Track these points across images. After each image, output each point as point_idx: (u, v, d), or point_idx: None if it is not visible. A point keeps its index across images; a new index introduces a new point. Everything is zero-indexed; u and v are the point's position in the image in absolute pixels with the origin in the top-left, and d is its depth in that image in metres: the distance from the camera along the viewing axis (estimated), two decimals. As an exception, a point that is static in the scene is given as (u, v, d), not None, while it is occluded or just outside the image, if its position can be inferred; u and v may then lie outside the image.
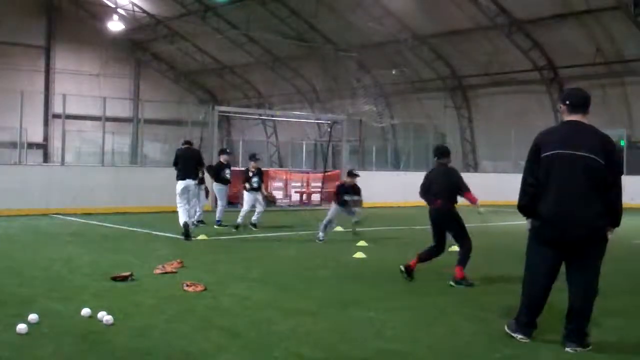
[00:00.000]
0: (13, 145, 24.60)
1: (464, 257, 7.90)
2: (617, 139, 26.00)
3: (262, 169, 15.45)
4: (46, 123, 34.74)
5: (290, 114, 29.50)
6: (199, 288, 7.21)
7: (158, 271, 8.29)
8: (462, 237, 8.01)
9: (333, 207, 12.47)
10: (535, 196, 5.16)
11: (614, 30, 24.50)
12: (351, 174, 12.76)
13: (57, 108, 32.81)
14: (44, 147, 34.53)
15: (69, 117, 22.48)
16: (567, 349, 5.14)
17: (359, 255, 10.10)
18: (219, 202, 14.80)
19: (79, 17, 36.58)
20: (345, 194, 12.41)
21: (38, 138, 33.41)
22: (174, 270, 8.39)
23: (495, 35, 27.01)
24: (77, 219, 15.43)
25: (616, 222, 5.19)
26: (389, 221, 16.41)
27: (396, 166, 30.16)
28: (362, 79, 33.06)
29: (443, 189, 8.04)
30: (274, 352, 4.98)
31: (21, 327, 5.32)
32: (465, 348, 5.24)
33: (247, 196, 13.90)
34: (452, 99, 31.70)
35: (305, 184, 22.79)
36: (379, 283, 8.00)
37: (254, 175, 13.89)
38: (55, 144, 32.32)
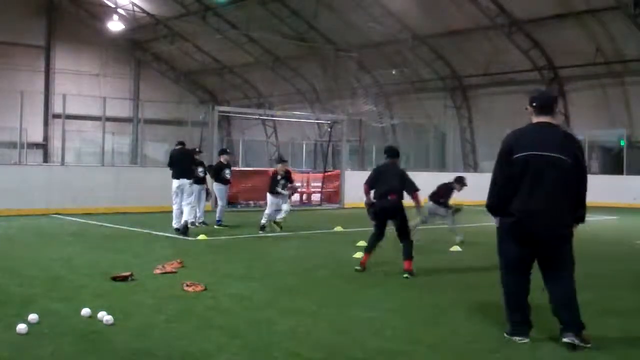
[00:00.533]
0: (13, 145, 24.61)
1: (410, 249, 8.59)
2: (617, 139, 26.08)
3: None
4: (46, 123, 34.73)
5: (290, 114, 29.50)
6: (199, 288, 7.21)
7: (158, 271, 8.29)
8: (406, 231, 8.76)
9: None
10: (505, 196, 5.29)
11: (614, 30, 24.50)
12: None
13: (57, 108, 32.81)
14: (44, 147, 34.53)
15: (69, 117, 22.47)
16: (565, 339, 5.20)
17: (359, 255, 10.07)
18: (218, 202, 14.78)
19: (79, 17, 36.58)
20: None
21: (38, 138, 33.40)
22: (174, 270, 8.39)
23: (495, 35, 27.00)
24: (77, 219, 15.43)
25: (582, 219, 5.38)
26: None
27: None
28: (362, 79, 33.05)
29: (398, 186, 8.71)
30: (274, 352, 4.98)
31: (21, 327, 5.32)
32: (465, 348, 5.25)
33: (271, 199, 13.48)
34: (452, 99, 31.70)
35: (305, 184, 22.79)
36: (378, 283, 8.00)
37: (282, 178, 13.53)
38: (55, 144, 32.31)
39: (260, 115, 28.48)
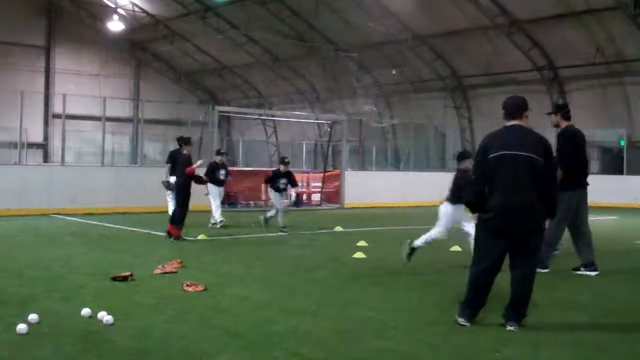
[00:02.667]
0: (13, 145, 24.61)
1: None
2: (617, 139, 26.07)
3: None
4: (46, 123, 34.72)
5: (290, 114, 29.51)
6: (199, 288, 7.21)
7: (158, 271, 8.29)
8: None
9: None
10: (482, 193, 5.76)
11: (614, 30, 24.49)
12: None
13: (57, 108, 32.78)
14: (44, 147, 34.53)
15: (69, 117, 22.41)
16: (509, 328, 5.67)
17: (359, 255, 10.09)
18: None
19: (79, 17, 36.58)
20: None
21: (38, 138, 33.40)
22: (174, 270, 8.39)
23: (495, 35, 26.99)
24: (77, 219, 15.43)
25: (553, 213, 5.89)
26: (389, 221, 16.40)
27: (396, 166, 30.14)
28: (362, 79, 33.04)
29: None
30: (274, 352, 4.98)
31: (21, 327, 5.32)
32: (466, 348, 5.24)
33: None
34: (452, 99, 31.68)
35: (305, 184, 22.79)
36: (378, 283, 8.00)
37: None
38: (55, 144, 32.30)
39: (260, 115, 28.49)
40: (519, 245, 5.69)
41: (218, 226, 14.07)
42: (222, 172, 14.60)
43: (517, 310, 5.75)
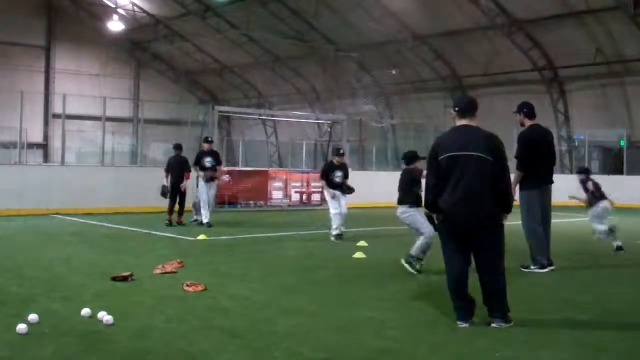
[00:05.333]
0: (13, 145, 24.60)
1: None
2: (617, 139, 26.08)
3: (261, 168, 15.29)
4: (46, 123, 34.75)
5: (290, 114, 29.50)
6: (199, 288, 7.21)
7: (158, 271, 8.28)
8: None
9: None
10: (437, 194, 5.86)
11: (614, 30, 24.49)
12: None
13: (57, 108, 32.81)
14: (44, 147, 34.55)
15: (69, 117, 22.44)
16: (493, 325, 5.74)
17: (359, 255, 10.09)
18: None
19: (79, 17, 36.59)
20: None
21: (38, 138, 33.42)
22: (174, 270, 8.38)
23: (495, 35, 27.00)
24: (77, 219, 15.43)
25: (508, 209, 5.86)
26: (389, 221, 16.39)
27: (396, 166, 30.12)
28: (362, 79, 33.05)
29: None
30: (274, 352, 4.98)
31: (21, 327, 5.32)
32: (466, 348, 5.24)
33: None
34: (452, 99, 31.63)
35: (305, 184, 22.78)
36: (379, 283, 7.99)
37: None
38: (55, 144, 32.30)
39: (260, 115, 28.47)
40: (477, 244, 5.78)
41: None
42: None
43: (494, 306, 5.81)
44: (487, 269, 5.81)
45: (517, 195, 8.21)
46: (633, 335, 5.86)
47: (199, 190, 14.49)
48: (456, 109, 5.98)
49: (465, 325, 5.79)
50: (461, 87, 31.48)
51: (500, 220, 5.80)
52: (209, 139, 15.23)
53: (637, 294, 7.84)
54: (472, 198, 5.68)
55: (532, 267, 8.84)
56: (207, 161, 14.32)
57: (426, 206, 6.10)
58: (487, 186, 5.70)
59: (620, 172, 25.01)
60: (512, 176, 8.25)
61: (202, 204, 14.27)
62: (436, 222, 5.99)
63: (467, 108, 5.98)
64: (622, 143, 25.69)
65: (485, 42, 27.65)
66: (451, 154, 5.74)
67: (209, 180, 14.28)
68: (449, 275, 5.91)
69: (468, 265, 5.87)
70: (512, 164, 6.61)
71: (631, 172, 24.65)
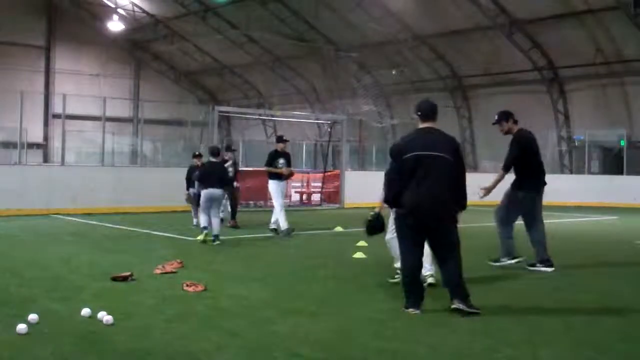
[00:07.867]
0: (13, 145, 24.58)
1: None
2: (617, 139, 26.07)
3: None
4: (46, 123, 34.71)
5: (290, 114, 29.48)
6: (199, 288, 7.21)
7: (158, 271, 8.28)
8: None
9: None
10: (398, 191, 6.27)
11: (614, 30, 24.49)
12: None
13: (57, 108, 32.78)
14: (44, 147, 34.51)
15: (69, 117, 22.43)
16: (454, 306, 6.18)
17: (359, 255, 10.09)
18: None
19: (79, 17, 36.58)
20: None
21: (38, 138, 33.37)
22: (174, 270, 8.38)
23: (495, 35, 27.00)
24: (77, 219, 15.43)
25: (463, 206, 6.42)
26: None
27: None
28: (362, 79, 33.04)
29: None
30: (274, 352, 4.98)
31: (21, 327, 5.31)
32: (466, 348, 5.24)
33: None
34: (452, 99, 31.68)
35: (305, 184, 22.79)
36: (378, 283, 7.99)
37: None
38: (55, 144, 32.27)
39: (260, 115, 28.48)
40: (436, 236, 6.33)
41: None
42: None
43: (454, 290, 6.26)
44: (446, 260, 6.32)
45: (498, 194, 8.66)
46: (634, 335, 5.86)
47: (273, 195, 13.16)
48: (419, 113, 6.46)
49: (417, 312, 6.21)
50: (461, 87, 31.49)
51: (455, 216, 6.36)
52: (284, 137, 13.99)
53: (637, 294, 7.84)
54: (436, 195, 6.16)
55: (538, 265, 8.87)
56: (281, 163, 13.06)
57: (385, 201, 6.52)
58: (448, 185, 6.22)
59: (621, 172, 25.02)
60: (495, 176, 8.86)
61: (278, 209, 12.87)
62: (395, 217, 6.44)
63: (430, 112, 6.45)
64: (622, 143, 25.69)
65: (485, 42, 27.64)
66: (417, 153, 6.19)
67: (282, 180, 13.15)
68: (405, 266, 6.39)
69: (421, 256, 6.47)
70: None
71: (631, 172, 24.66)
